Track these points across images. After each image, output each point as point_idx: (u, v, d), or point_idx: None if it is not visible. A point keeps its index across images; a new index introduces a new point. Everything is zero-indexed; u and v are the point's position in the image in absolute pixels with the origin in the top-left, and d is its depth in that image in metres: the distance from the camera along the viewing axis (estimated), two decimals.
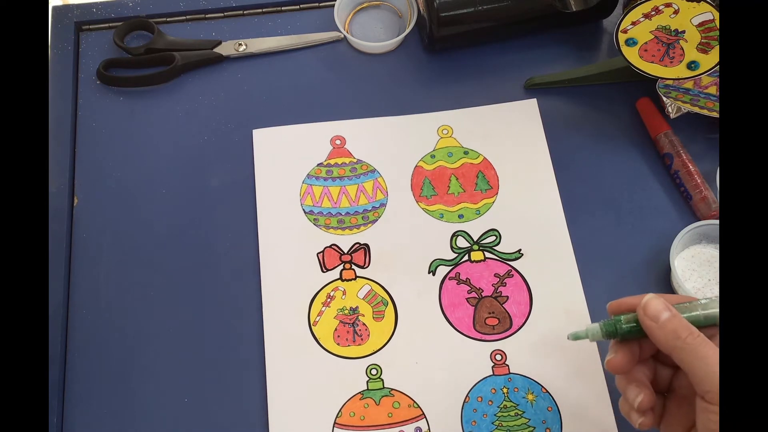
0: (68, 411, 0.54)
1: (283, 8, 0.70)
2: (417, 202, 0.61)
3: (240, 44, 0.67)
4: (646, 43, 0.58)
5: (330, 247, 0.59)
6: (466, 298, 0.57)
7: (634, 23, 0.57)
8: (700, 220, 0.57)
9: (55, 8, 0.69)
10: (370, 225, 0.60)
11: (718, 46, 0.56)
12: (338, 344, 0.55)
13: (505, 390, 0.54)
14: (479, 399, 0.53)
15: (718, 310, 0.41)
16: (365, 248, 0.59)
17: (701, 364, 0.38)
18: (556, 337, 0.55)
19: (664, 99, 0.61)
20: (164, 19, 0.69)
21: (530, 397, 0.53)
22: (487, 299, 0.57)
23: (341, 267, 0.58)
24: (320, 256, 0.58)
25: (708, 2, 0.55)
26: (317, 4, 0.70)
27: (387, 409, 0.53)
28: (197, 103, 0.65)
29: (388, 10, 0.70)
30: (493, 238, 0.59)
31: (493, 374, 0.54)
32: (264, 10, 0.70)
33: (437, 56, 0.67)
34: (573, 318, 0.56)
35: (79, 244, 0.60)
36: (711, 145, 0.62)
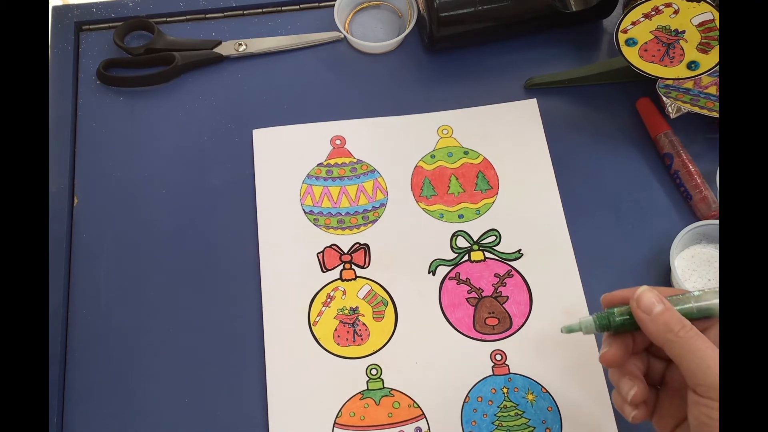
0: (68, 411, 0.54)
1: (283, 8, 0.70)
2: (417, 202, 0.61)
3: (240, 44, 0.67)
4: (646, 43, 0.58)
5: (330, 247, 0.59)
6: (466, 298, 0.57)
7: (634, 23, 0.57)
8: (700, 220, 0.57)
9: (55, 8, 0.69)
10: (370, 225, 0.60)
11: (718, 46, 0.56)
12: (338, 344, 0.55)
13: (505, 390, 0.54)
14: (479, 399, 0.53)
15: (710, 302, 0.41)
16: (365, 248, 0.59)
17: (693, 358, 0.38)
18: (556, 337, 0.55)
19: (664, 99, 0.61)
20: (164, 19, 0.69)
21: (530, 397, 0.53)
22: (487, 299, 0.57)
23: (341, 267, 0.58)
24: (320, 256, 0.58)
25: (708, 2, 0.55)
26: (317, 4, 0.70)
27: (387, 409, 0.53)
28: (197, 103, 0.65)
29: (388, 10, 0.70)
30: (493, 238, 0.59)
31: (493, 374, 0.54)
32: (264, 10, 0.70)
33: (437, 56, 0.67)
34: (573, 318, 0.55)
35: (79, 244, 0.60)
36: (711, 145, 0.62)
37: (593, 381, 0.53)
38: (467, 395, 0.54)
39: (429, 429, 0.53)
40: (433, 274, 0.58)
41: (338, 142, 0.63)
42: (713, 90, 0.60)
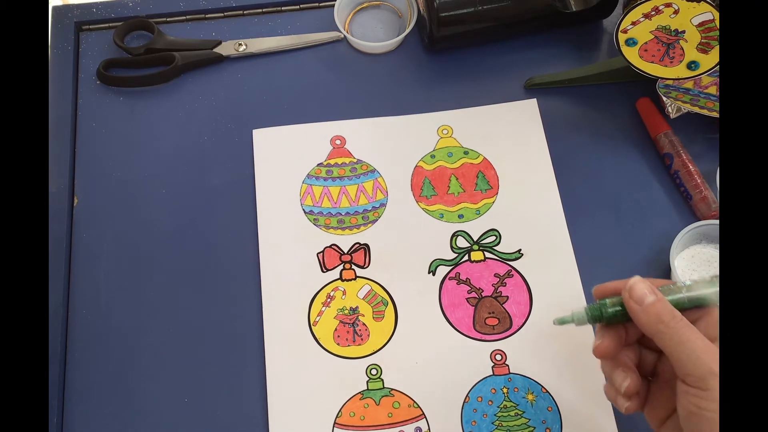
0: (68, 411, 0.54)
1: (283, 8, 0.70)
2: (417, 202, 0.61)
3: (240, 44, 0.67)
4: (646, 43, 0.58)
5: (330, 247, 0.59)
6: (466, 298, 0.57)
7: (634, 23, 0.57)
8: (700, 220, 0.57)
9: (55, 8, 0.69)
10: (370, 225, 0.60)
11: (718, 46, 0.56)
12: (338, 344, 0.55)
13: (505, 390, 0.54)
14: (479, 399, 0.53)
15: (701, 291, 0.41)
16: (365, 248, 0.59)
17: (683, 348, 0.38)
18: (556, 337, 0.55)
19: (664, 99, 0.61)
20: (164, 19, 0.69)
21: (530, 397, 0.53)
22: (487, 299, 0.57)
23: (341, 267, 0.58)
24: (320, 256, 0.58)
25: (708, 2, 0.55)
26: (317, 4, 0.70)
27: (387, 409, 0.53)
28: (197, 103, 0.65)
29: (388, 10, 0.70)
30: (493, 238, 0.59)
31: (493, 374, 0.54)
32: (264, 10, 0.70)
33: (437, 56, 0.67)
34: None
35: (79, 244, 0.60)
36: (711, 145, 0.62)
37: (593, 381, 0.53)
38: (467, 395, 0.54)
39: (429, 429, 0.53)
40: (433, 274, 0.58)
41: (338, 142, 0.63)
42: (713, 90, 0.60)
